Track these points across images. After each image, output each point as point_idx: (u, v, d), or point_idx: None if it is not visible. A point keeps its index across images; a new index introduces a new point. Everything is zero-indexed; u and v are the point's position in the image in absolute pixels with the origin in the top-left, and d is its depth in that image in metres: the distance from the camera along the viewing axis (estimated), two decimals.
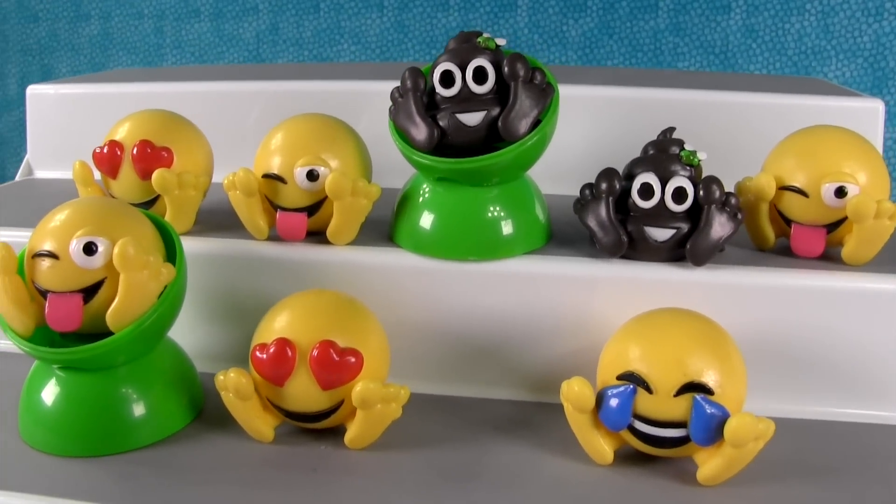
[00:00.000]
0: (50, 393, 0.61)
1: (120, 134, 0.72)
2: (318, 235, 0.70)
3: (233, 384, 0.57)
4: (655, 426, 0.55)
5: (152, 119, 0.73)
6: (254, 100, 0.93)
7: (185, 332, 0.69)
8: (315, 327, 0.58)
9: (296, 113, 0.87)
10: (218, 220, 0.75)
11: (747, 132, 0.83)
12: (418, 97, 0.65)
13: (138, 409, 0.61)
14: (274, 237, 0.70)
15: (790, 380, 0.65)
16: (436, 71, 0.64)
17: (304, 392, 0.57)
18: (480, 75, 0.64)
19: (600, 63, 1.37)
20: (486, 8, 1.40)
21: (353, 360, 0.57)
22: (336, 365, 0.56)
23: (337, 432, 0.61)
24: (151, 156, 0.70)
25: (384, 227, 0.72)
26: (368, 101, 0.85)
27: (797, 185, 0.66)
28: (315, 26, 1.46)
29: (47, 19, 1.56)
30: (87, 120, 0.94)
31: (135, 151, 0.70)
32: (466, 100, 0.64)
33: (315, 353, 0.56)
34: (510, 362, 0.67)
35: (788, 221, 0.67)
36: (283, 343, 0.57)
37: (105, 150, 0.71)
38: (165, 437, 0.62)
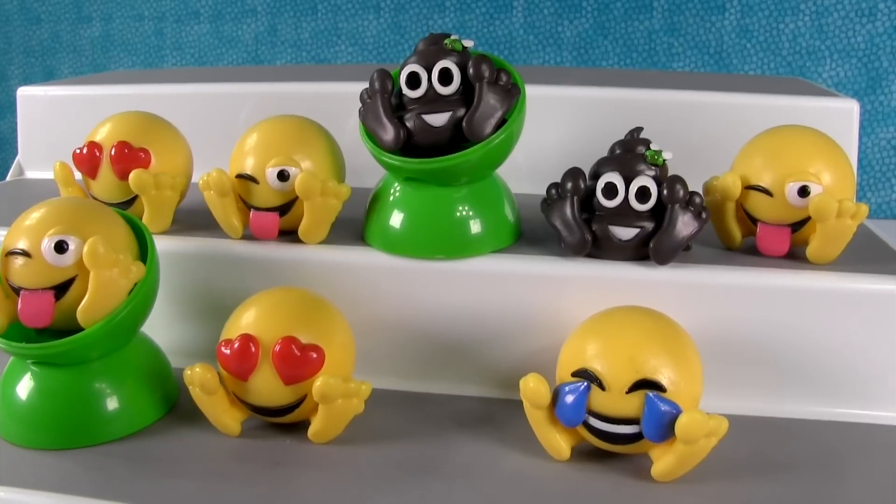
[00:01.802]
0: (24, 388, 0.62)
1: (99, 135, 0.74)
2: (290, 234, 0.71)
3: (199, 379, 0.59)
4: (609, 422, 0.56)
5: (131, 120, 0.75)
6: (243, 102, 0.95)
7: (162, 329, 0.70)
8: (278, 324, 0.59)
9: (286, 113, 0.90)
10: (196, 220, 0.77)
11: (722, 132, 0.83)
12: (386, 98, 0.66)
13: (111, 403, 0.62)
14: (248, 236, 0.71)
15: (753, 378, 0.66)
16: (402, 72, 0.65)
17: (267, 387, 0.58)
18: (446, 77, 0.65)
19: (595, 64, 1.37)
20: (482, 9, 1.41)
21: (314, 355, 0.58)
22: (297, 360, 0.58)
23: (302, 426, 0.62)
24: (129, 156, 0.72)
25: (358, 226, 0.73)
26: (354, 102, 0.87)
27: (762, 184, 0.66)
28: (313, 28, 1.48)
29: (49, 21, 1.59)
30: (76, 121, 0.96)
31: (113, 152, 0.72)
32: (432, 101, 0.65)
33: (277, 348, 0.57)
34: (478, 360, 0.68)
35: (754, 221, 0.68)
36: (246, 339, 0.58)
37: (84, 151, 0.73)
38: (138, 431, 0.63)
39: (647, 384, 0.55)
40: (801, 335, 0.65)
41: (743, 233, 0.69)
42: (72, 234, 0.59)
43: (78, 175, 0.76)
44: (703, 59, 1.34)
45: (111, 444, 0.62)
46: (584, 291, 0.66)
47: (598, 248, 0.66)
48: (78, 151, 0.73)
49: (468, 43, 0.67)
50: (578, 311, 0.65)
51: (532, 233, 0.73)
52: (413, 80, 0.65)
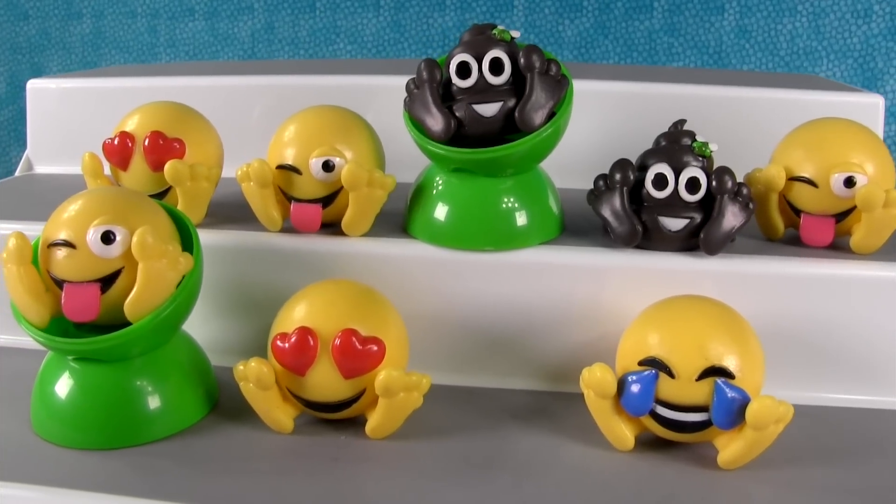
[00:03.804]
0: (64, 385, 0.60)
1: (130, 125, 0.72)
2: (331, 227, 0.70)
3: (254, 374, 0.57)
4: (677, 411, 0.56)
5: (163, 110, 0.73)
6: (258, 94, 0.93)
7: (197, 325, 0.68)
8: (336, 316, 0.57)
9: (300, 107, 0.88)
10: (227, 212, 0.75)
11: (749, 127, 0.84)
12: (435, 88, 0.65)
13: (154, 402, 0.60)
14: (287, 229, 0.70)
15: (801, 367, 0.66)
16: (452, 62, 0.65)
17: (325, 381, 0.57)
18: (497, 66, 0.64)
19: (596, 63, 1.38)
20: (483, 8, 1.41)
21: (375, 348, 0.57)
22: (359, 354, 0.56)
23: (354, 422, 0.61)
24: (163, 147, 0.70)
25: (395, 218, 0.72)
26: (374, 95, 0.86)
27: (807, 175, 0.67)
28: (311, 25, 1.46)
29: (38, 17, 1.55)
30: (87, 115, 0.93)
31: (146, 142, 0.70)
32: (482, 91, 0.64)
33: (337, 341, 0.56)
34: (525, 352, 0.68)
35: (797, 211, 0.68)
36: (304, 332, 0.56)
37: (116, 142, 0.70)
38: (183, 430, 0.61)
39: (716, 371, 0.55)
40: (848, 324, 0.65)
41: (785, 223, 0.70)
42: (118, 223, 0.57)
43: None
44: (703, 59, 1.36)
45: (156, 443, 0.60)
46: (633, 282, 0.66)
47: (646, 238, 0.66)
48: (109, 141, 0.71)
49: (515, 34, 0.67)
50: (627, 301, 0.65)
51: (572, 225, 0.72)
52: (463, 70, 0.64)
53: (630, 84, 0.89)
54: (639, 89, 0.88)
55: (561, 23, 1.38)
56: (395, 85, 0.88)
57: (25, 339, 0.74)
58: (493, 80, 0.64)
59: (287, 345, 0.57)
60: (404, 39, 1.45)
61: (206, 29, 1.50)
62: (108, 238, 0.57)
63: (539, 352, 0.68)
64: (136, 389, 0.60)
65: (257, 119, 0.93)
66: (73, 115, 0.94)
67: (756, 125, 0.84)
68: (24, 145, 1.62)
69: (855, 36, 1.31)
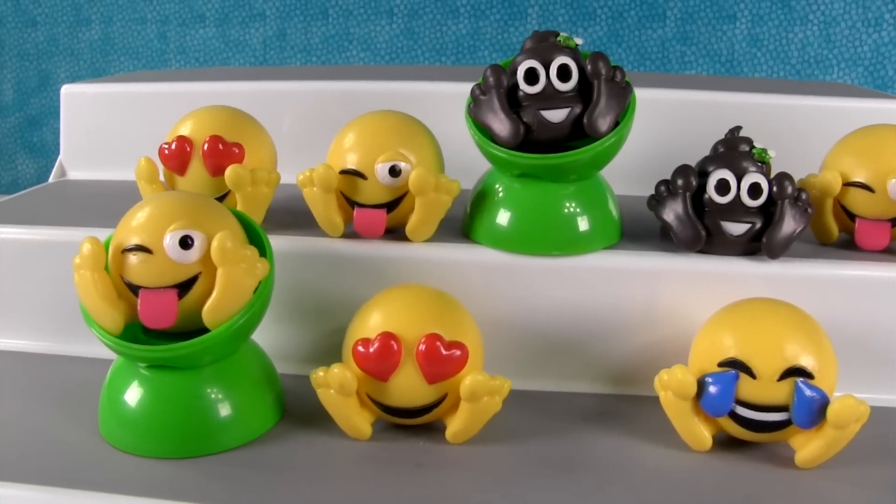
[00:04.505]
0: (137, 393, 0.59)
1: (187, 130, 0.71)
2: (391, 232, 0.69)
3: (337, 380, 0.56)
4: (758, 411, 0.56)
5: (221, 115, 0.72)
6: (287, 100, 0.92)
7: (257, 331, 0.67)
8: (418, 321, 0.57)
9: (332, 113, 0.88)
10: (282, 218, 0.75)
11: (788, 134, 0.85)
12: (502, 94, 0.65)
13: (226, 410, 0.60)
14: (348, 234, 0.70)
15: (859, 367, 0.67)
16: (520, 68, 0.65)
17: (409, 386, 0.57)
18: (565, 73, 0.65)
19: None
20: (497, 16, 1.42)
21: (458, 353, 0.57)
22: (443, 359, 0.56)
23: (429, 428, 0.61)
24: (223, 152, 0.69)
25: (451, 222, 0.72)
26: (413, 101, 0.85)
27: (862, 180, 0.68)
28: (323, 32, 1.46)
29: (46, 24, 1.52)
30: (122, 120, 0.92)
31: (205, 147, 0.69)
32: (550, 97, 0.65)
33: (422, 346, 0.56)
34: (589, 356, 0.68)
35: (852, 216, 0.70)
36: (388, 337, 0.56)
37: (174, 146, 0.70)
38: (255, 438, 0.61)
39: (796, 371, 0.56)
40: None
41: (839, 228, 0.71)
42: (196, 228, 0.57)
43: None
44: (715, 67, 1.38)
45: (231, 452, 0.59)
46: (698, 286, 0.67)
47: (708, 243, 0.67)
48: (165, 147, 0.70)
49: (578, 41, 0.67)
50: (692, 304, 0.66)
51: (628, 230, 0.73)
52: (531, 76, 0.65)
53: (666, 91, 0.90)
54: (675, 97, 0.89)
55: (574, 31, 1.39)
56: (430, 91, 0.89)
57: (74, 347, 0.74)
58: (561, 86, 0.65)
59: (369, 350, 0.57)
60: (417, 47, 1.45)
61: (217, 36, 1.49)
62: (185, 243, 0.56)
63: (603, 355, 0.68)
64: (209, 398, 0.59)
65: (288, 124, 0.92)
66: (107, 121, 0.93)
67: (795, 132, 0.85)
68: (30, 152, 1.60)
69: (865, 44, 1.34)
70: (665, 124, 0.87)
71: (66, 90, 0.93)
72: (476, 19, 1.42)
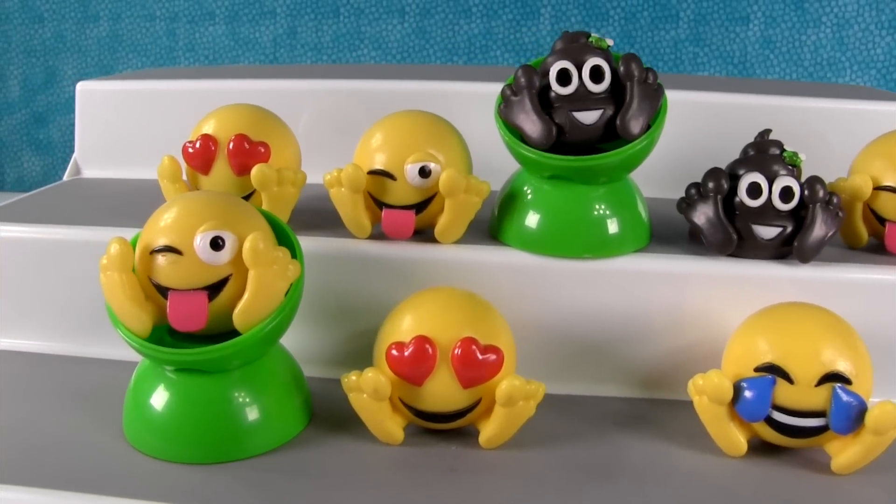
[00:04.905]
0: (163, 396, 0.58)
1: (211, 128, 0.70)
2: (420, 233, 0.69)
3: (370, 384, 0.56)
4: (795, 416, 0.56)
5: (246, 113, 0.71)
6: (304, 99, 0.91)
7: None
8: (453, 324, 0.57)
9: (349, 112, 0.87)
10: (304, 218, 0.74)
11: (812, 136, 0.84)
12: (534, 95, 0.64)
13: (255, 414, 0.59)
14: (375, 235, 0.69)
15: (891, 372, 0.67)
16: (552, 69, 0.64)
17: (443, 391, 0.56)
18: (597, 74, 0.64)
19: None
20: (509, 15, 1.41)
21: (493, 357, 0.56)
22: (479, 363, 0.56)
23: (461, 432, 0.60)
24: (249, 151, 0.68)
25: (478, 224, 0.71)
26: (431, 100, 0.85)
27: (892, 184, 0.68)
28: (334, 31, 1.45)
29: (53, 20, 1.51)
30: (138, 118, 0.91)
31: (231, 146, 0.68)
32: (582, 98, 0.64)
33: (458, 350, 0.55)
34: (619, 360, 0.68)
35: (882, 220, 0.69)
36: (422, 341, 0.55)
37: (198, 145, 0.69)
38: (285, 443, 0.60)
39: (834, 377, 0.55)
40: None
41: (868, 232, 0.71)
42: (226, 229, 0.56)
43: None
44: (728, 69, 1.38)
45: (261, 457, 0.58)
46: (729, 289, 0.66)
47: (739, 246, 0.66)
48: (189, 145, 0.69)
49: (610, 42, 0.67)
50: (723, 308, 0.66)
51: (656, 233, 0.72)
52: (564, 77, 0.64)
53: (687, 93, 0.89)
54: (693, 98, 0.88)
55: (587, 31, 1.39)
56: (446, 90, 0.88)
57: (93, 349, 0.73)
58: (593, 87, 0.64)
59: (404, 354, 0.56)
60: (429, 46, 1.44)
61: (227, 33, 1.47)
62: (216, 244, 0.55)
63: (632, 359, 0.68)
64: (238, 401, 0.58)
65: (304, 124, 0.91)
66: (122, 119, 0.91)
67: (816, 135, 0.85)
68: (36, 149, 1.58)
69: (878, 47, 1.34)
70: (686, 127, 0.86)
71: (82, 87, 0.92)
72: (488, 19, 1.41)
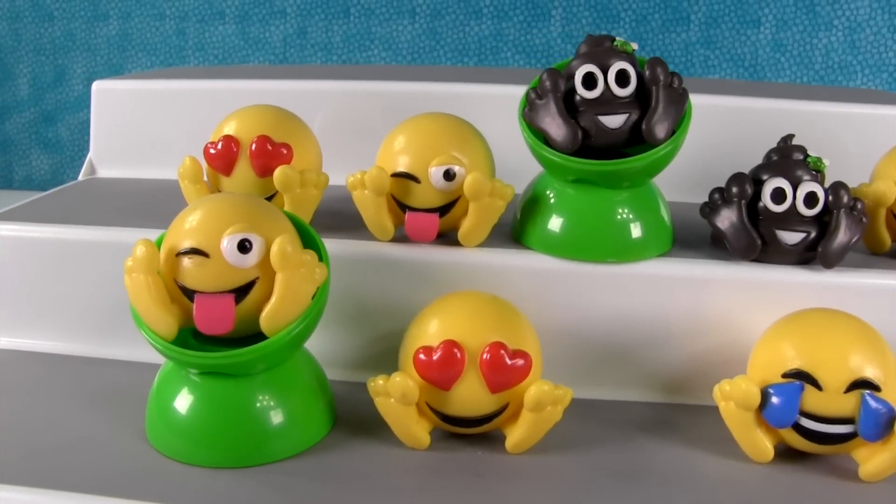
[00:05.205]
0: (187, 399, 0.58)
1: (233, 129, 0.69)
2: (442, 236, 0.68)
3: (399, 389, 0.55)
4: (823, 422, 0.56)
5: (268, 114, 0.71)
6: (319, 100, 0.91)
7: None
8: (481, 329, 0.57)
9: (365, 113, 0.87)
10: (324, 220, 0.74)
11: (831, 140, 0.84)
12: (559, 98, 0.64)
13: (278, 418, 0.58)
14: (397, 238, 0.69)
15: None
16: (578, 72, 0.64)
17: (470, 396, 0.56)
18: (623, 78, 0.64)
19: None
20: (520, 17, 1.41)
21: (521, 362, 0.56)
22: (507, 368, 0.55)
23: (487, 437, 0.60)
24: (272, 153, 0.68)
25: (501, 227, 0.71)
26: (447, 102, 0.84)
27: None
28: (344, 31, 1.44)
29: (63, 18, 1.50)
30: (154, 118, 0.91)
31: (253, 147, 0.68)
32: (608, 102, 0.64)
33: (486, 355, 0.55)
34: (641, 364, 0.67)
35: None
36: (451, 345, 0.55)
37: (220, 146, 0.68)
38: (309, 447, 0.59)
39: (863, 384, 0.55)
40: None
41: (891, 237, 0.71)
42: (254, 232, 0.55)
43: None
44: (738, 72, 1.38)
45: (287, 462, 0.58)
46: (752, 294, 0.66)
47: (762, 251, 0.66)
48: (211, 146, 0.69)
49: (634, 45, 0.67)
50: (747, 313, 0.66)
51: (678, 237, 0.72)
52: (589, 81, 0.64)
53: (702, 97, 0.89)
54: (708, 102, 0.88)
55: (598, 33, 1.38)
56: (459, 92, 0.88)
57: (111, 350, 0.73)
58: (619, 91, 0.64)
59: (432, 358, 0.56)
60: (440, 47, 1.44)
61: (237, 33, 1.47)
62: (244, 247, 0.55)
63: (655, 363, 0.67)
64: (263, 405, 0.58)
65: (320, 125, 0.91)
66: (138, 118, 0.91)
67: (834, 139, 0.85)
68: (45, 148, 1.58)
69: (891, 50, 1.34)
70: (703, 131, 0.86)
71: (97, 87, 0.91)
72: (499, 20, 1.41)
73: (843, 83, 1.37)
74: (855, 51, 1.35)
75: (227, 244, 0.55)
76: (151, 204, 0.81)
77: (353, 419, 0.63)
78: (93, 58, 1.52)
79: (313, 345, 0.66)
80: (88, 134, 0.92)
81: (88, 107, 0.92)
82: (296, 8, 1.44)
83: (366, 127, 0.88)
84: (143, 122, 0.91)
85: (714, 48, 1.38)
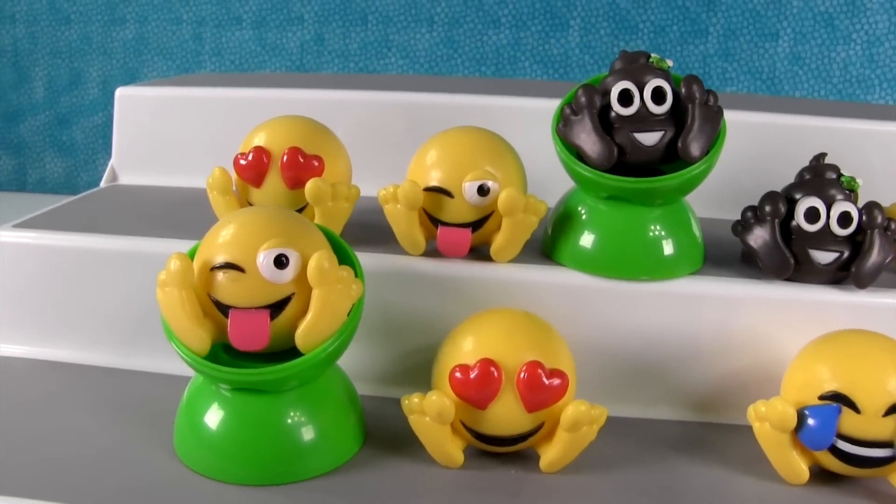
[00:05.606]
0: (218, 415, 0.57)
1: (263, 140, 0.69)
2: (474, 251, 0.68)
3: (435, 407, 0.55)
4: (860, 446, 0.56)
5: (299, 126, 0.70)
6: (342, 110, 0.90)
7: None
8: (517, 347, 0.56)
9: (387, 124, 0.87)
10: (353, 233, 0.73)
11: (860, 159, 0.84)
12: (595, 115, 0.64)
13: (310, 435, 0.58)
14: (428, 253, 0.68)
15: None
16: (614, 89, 0.64)
17: (507, 415, 0.56)
18: (659, 95, 0.64)
19: None
20: (538, 27, 1.41)
21: (558, 382, 0.56)
22: (544, 387, 0.55)
23: (520, 456, 0.60)
24: (303, 165, 0.67)
25: (532, 243, 0.70)
26: (473, 114, 0.84)
27: None
28: (362, 38, 1.44)
29: (80, 22, 1.50)
30: (177, 125, 0.91)
31: (284, 159, 0.67)
32: (643, 119, 0.64)
33: (523, 374, 0.55)
34: (672, 382, 0.67)
35: None
36: (487, 364, 0.55)
37: (251, 157, 0.68)
38: (341, 465, 0.59)
39: None
40: None
41: None
42: (290, 247, 0.55)
43: None
44: (756, 85, 1.38)
45: (320, 479, 0.57)
46: (784, 314, 0.66)
47: (795, 271, 0.66)
48: (242, 157, 0.68)
49: (669, 62, 0.67)
50: (779, 333, 0.66)
51: (710, 255, 0.72)
52: (625, 98, 0.64)
53: (736, 114, 0.89)
54: (736, 118, 0.87)
55: (616, 44, 1.39)
56: (479, 104, 0.87)
57: (136, 361, 0.72)
58: (655, 108, 0.64)
59: (469, 377, 0.55)
60: (457, 56, 1.43)
61: (254, 38, 1.47)
62: (280, 262, 0.55)
63: (687, 382, 0.67)
64: (295, 422, 0.58)
65: (342, 135, 0.91)
66: (160, 125, 0.91)
67: (860, 156, 0.84)
68: (59, 151, 1.57)
69: None
70: (731, 147, 0.86)
71: (121, 93, 0.91)
72: (517, 30, 1.41)
73: (862, 97, 1.37)
74: (873, 65, 1.35)
75: (264, 259, 0.54)
76: (176, 213, 0.80)
77: (384, 435, 0.63)
78: (109, 61, 1.52)
79: (342, 359, 0.66)
80: (103, 137, 0.92)
81: (103, 110, 0.92)
82: (313, 14, 1.44)
83: (389, 138, 0.88)
84: (166, 129, 0.91)
85: (732, 61, 1.38)
